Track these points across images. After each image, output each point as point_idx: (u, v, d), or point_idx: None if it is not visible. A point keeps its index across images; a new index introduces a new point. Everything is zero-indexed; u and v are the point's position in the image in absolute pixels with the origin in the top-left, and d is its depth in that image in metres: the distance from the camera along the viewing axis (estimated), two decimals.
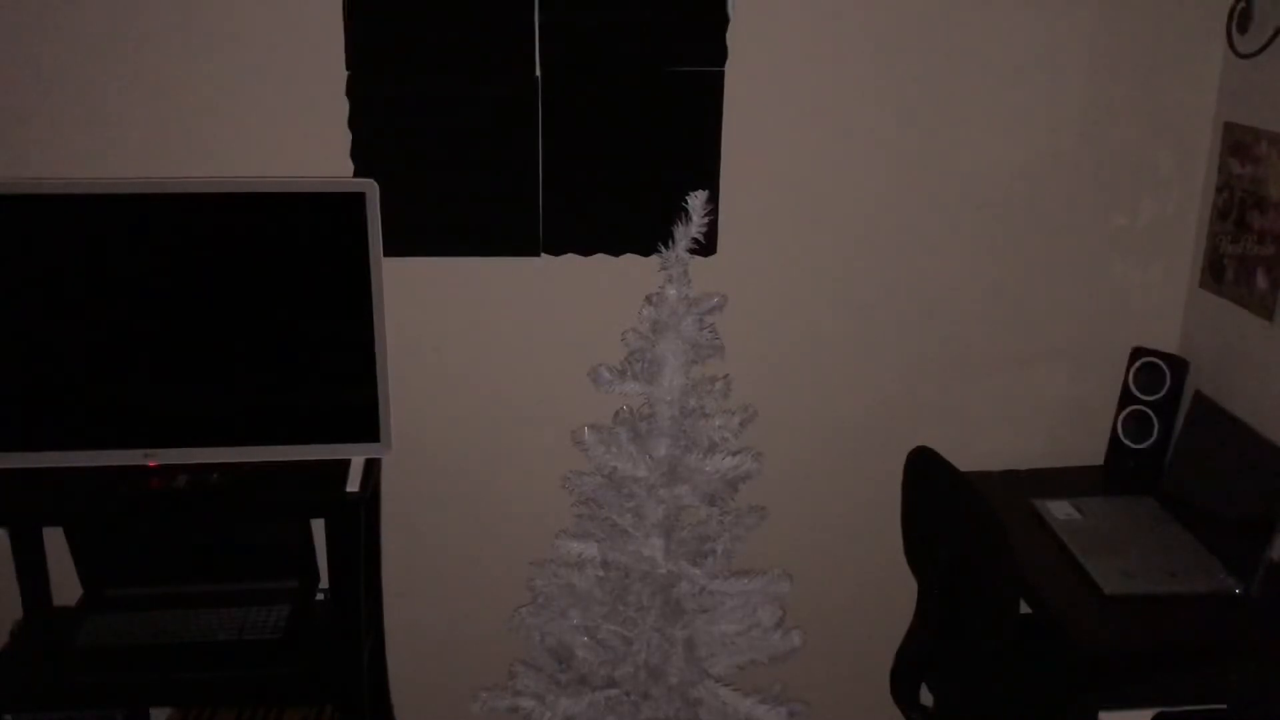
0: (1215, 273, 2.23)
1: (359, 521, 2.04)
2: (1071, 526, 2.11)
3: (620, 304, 2.18)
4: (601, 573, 2.03)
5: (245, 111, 2.07)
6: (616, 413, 2.03)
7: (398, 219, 2.11)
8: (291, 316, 2.02)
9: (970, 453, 2.32)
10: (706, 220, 1.86)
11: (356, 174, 2.09)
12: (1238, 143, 2.14)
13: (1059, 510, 2.16)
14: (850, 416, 2.38)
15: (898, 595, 2.32)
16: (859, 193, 2.23)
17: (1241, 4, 2.10)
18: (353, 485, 2.04)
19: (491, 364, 2.27)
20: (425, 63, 2.06)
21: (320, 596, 2.27)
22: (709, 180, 2.15)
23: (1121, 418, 2.32)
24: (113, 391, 2.03)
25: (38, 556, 2.20)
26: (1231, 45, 2.15)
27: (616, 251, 2.20)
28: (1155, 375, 2.28)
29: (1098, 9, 2.15)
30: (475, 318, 2.24)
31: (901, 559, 2.19)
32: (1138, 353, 2.31)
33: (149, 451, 2.05)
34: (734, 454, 1.94)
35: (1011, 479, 2.34)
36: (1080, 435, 2.40)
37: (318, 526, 2.22)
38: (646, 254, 2.18)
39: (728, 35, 2.09)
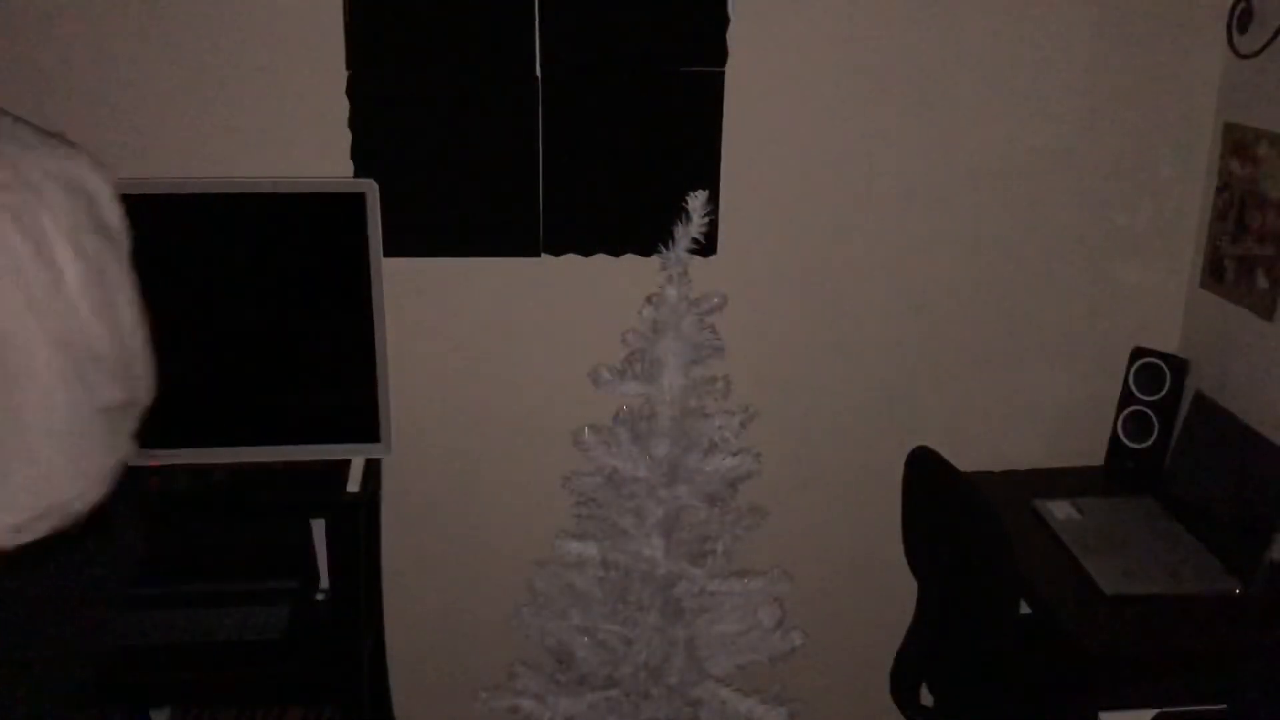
0: (1215, 273, 2.23)
1: (359, 522, 2.04)
2: (1071, 526, 2.11)
3: (620, 304, 2.18)
4: (602, 573, 2.03)
5: (245, 111, 2.06)
6: (617, 413, 2.03)
7: (398, 219, 2.11)
8: (292, 316, 2.02)
9: (970, 453, 2.32)
10: (706, 220, 1.86)
11: (356, 174, 2.09)
12: (1238, 143, 2.14)
13: (1059, 510, 2.16)
14: (850, 416, 2.37)
15: (898, 595, 2.32)
16: (859, 193, 2.23)
17: (1242, 4, 2.10)
18: (353, 486, 2.04)
19: (491, 364, 2.27)
20: (426, 63, 2.06)
21: (320, 596, 2.27)
22: (709, 180, 2.15)
23: (1121, 418, 2.32)
24: None
25: None
26: (1231, 45, 2.15)
27: (616, 251, 2.20)
28: (1155, 375, 2.28)
29: (1098, 9, 2.15)
30: (475, 318, 2.24)
31: (901, 559, 2.19)
32: (1138, 353, 2.31)
33: (149, 451, 2.04)
34: (734, 454, 1.94)
35: (1011, 479, 2.34)
36: (1080, 435, 2.40)
37: (318, 526, 2.22)
38: (646, 254, 2.18)
39: (728, 35, 2.09)
